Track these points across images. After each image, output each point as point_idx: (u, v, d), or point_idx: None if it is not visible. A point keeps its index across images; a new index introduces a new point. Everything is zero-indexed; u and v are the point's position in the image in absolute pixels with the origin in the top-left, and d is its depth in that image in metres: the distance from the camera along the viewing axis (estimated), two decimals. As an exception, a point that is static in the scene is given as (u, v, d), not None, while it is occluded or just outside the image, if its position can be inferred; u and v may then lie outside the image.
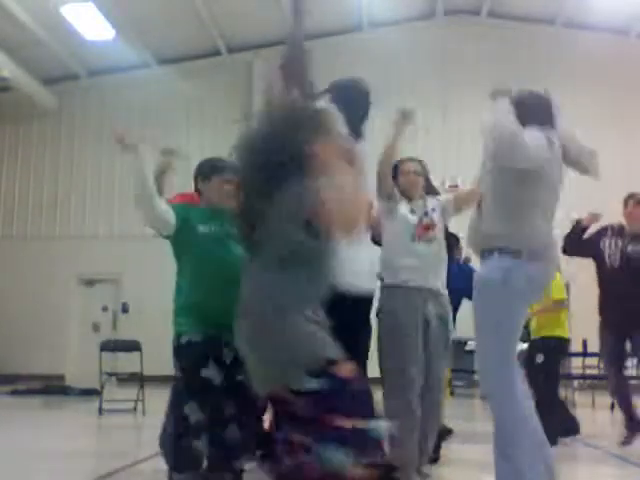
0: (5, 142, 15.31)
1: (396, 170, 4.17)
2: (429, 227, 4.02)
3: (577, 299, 12.62)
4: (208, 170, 3.40)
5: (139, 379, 8.22)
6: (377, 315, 4.03)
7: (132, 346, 8.65)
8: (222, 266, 3.14)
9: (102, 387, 8.39)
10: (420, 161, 4.27)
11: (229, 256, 3.14)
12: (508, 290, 2.97)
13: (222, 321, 2.75)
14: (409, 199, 4.11)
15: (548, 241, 3.11)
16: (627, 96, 13.57)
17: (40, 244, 14.63)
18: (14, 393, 10.90)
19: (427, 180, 4.25)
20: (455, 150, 13.31)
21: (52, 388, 11.50)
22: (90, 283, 14.56)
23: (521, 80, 14.18)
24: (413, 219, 4.02)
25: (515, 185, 3.02)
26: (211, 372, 3.09)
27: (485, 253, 3.12)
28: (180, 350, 3.20)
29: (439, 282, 4.02)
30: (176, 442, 3.07)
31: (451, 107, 14.10)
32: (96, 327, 14.16)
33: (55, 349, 13.78)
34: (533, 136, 2.97)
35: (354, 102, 3.62)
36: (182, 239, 3.29)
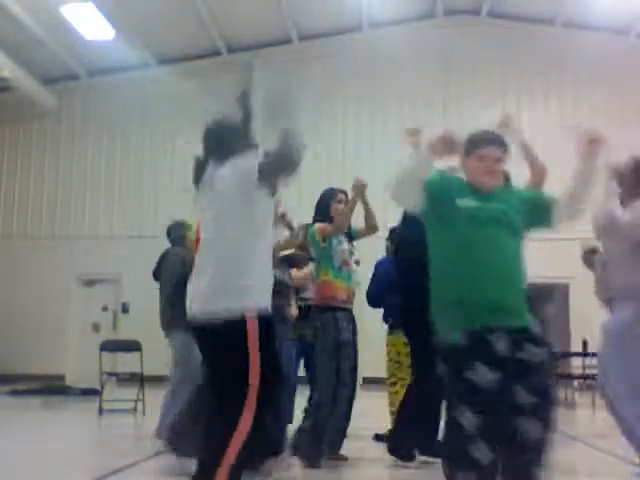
0: (5, 142, 15.32)
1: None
2: None
3: (577, 299, 12.63)
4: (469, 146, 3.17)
5: (139, 379, 8.22)
6: None
7: (132, 346, 8.65)
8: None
9: (102, 387, 8.39)
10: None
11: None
12: None
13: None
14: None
15: None
16: (627, 96, 13.56)
17: (40, 244, 14.63)
18: (14, 393, 10.89)
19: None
20: (455, 150, 13.28)
21: (52, 388, 11.50)
22: (90, 283, 14.56)
23: (521, 80, 14.14)
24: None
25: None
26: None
27: None
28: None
29: None
30: (451, 445, 2.81)
31: (451, 107, 14.09)
32: (96, 327, 14.16)
33: (55, 349, 13.78)
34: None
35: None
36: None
